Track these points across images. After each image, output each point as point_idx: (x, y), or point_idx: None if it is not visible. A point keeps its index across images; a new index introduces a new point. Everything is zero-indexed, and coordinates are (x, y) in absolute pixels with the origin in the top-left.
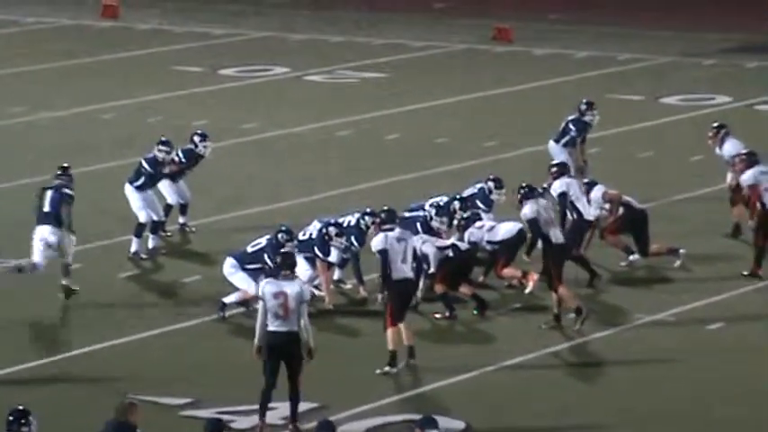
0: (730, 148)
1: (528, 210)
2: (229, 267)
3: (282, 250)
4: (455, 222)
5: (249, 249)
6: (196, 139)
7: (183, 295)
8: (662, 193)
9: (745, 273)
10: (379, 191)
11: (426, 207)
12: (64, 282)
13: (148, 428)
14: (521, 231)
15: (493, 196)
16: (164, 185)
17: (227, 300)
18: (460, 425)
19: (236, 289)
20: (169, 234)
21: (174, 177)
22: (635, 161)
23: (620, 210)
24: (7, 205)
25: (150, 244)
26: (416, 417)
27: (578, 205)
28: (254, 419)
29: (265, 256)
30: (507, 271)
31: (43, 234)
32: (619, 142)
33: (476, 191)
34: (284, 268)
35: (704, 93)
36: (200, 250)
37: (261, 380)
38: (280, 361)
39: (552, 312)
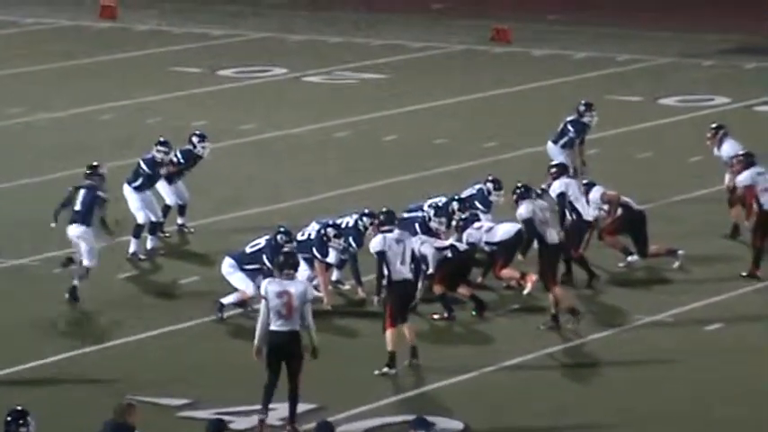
0: (728, 148)
1: (523, 210)
2: (228, 267)
3: (284, 250)
4: (453, 223)
5: (248, 250)
6: (194, 139)
7: (181, 296)
8: (661, 194)
9: (744, 274)
10: (377, 192)
11: (425, 208)
12: (75, 282)
13: (147, 429)
14: (519, 232)
15: (492, 197)
16: (162, 186)
17: (225, 300)
18: (459, 425)
19: (234, 289)
20: (168, 235)
21: (171, 178)
22: (634, 162)
23: (619, 211)
24: (7, 205)
25: (149, 245)
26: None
27: (577, 206)
28: (253, 420)
29: (264, 256)
30: (506, 272)
31: (72, 233)
32: (617, 143)
33: (474, 192)
34: (286, 268)
35: (703, 94)
36: (199, 251)
37: (259, 381)
38: (281, 360)
39: (550, 313)
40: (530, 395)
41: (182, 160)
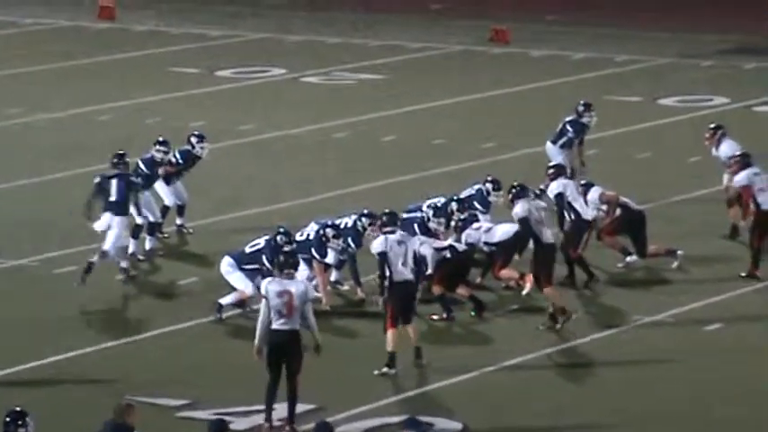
0: (727, 149)
1: (519, 209)
2: (227, 266)
3: (285, 249)
4: (452, 224)
5: (247, 250)
6: (193, 140)
7: (180, 297)
8: (660, 195)
9: (743, 274)
10: (376, 192)
11: (424, 208)
12: (93, 258)
13: (146, 430)
14: (518, 233)
15: (491, 198)
16: (161, 187)
17: (224, 301)
18: (458, 426)
19: (233, 289)
20: (166, 235)
21: (170, 179)
22: (633, 162)
23: (618, 211)
24: (6, 206)
25: (147, 245)
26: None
27: (576, 206)
28: (252, 420)
29: (263, 257)
30: (505, 272)
31: (106, 221)
32: (616, 143)
33: (473, 192)
34: (287, 267)
35: (702, 94)
36: (198, 251)
37: (259, 381)
38: (281, 359)
39: (548, 313)
40: (529, 395)
41: (180, 161)
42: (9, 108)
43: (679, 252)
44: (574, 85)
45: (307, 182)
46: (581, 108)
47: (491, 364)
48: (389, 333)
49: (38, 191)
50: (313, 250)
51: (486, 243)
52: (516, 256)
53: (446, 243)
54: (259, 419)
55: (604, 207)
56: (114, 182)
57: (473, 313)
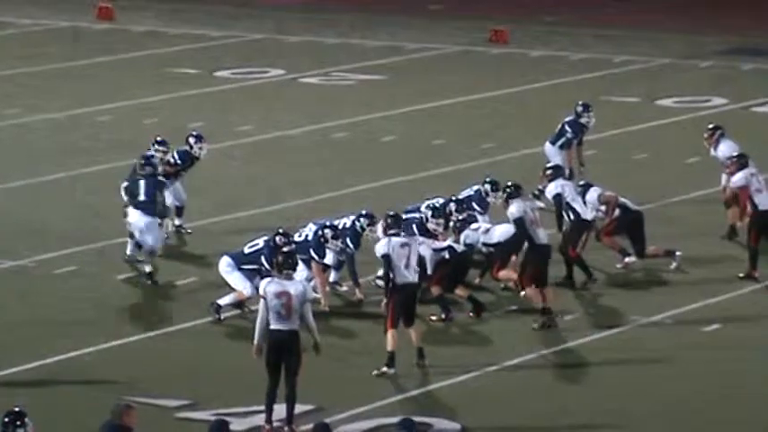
0: (725, 149)
1: (514, 209)
2: (225, 266)
3: (284, 250)
4: (451, 224)
5: (246, 250)
6: (191, 140)
7: (178, 297)
8: (658, 195)
9: (741, 275)
10: (375, 193)
11: (422, 209)
12: (147, 268)
13: (145, 430)
14: (516, 233)
15: (489, 198)
16: None
17: (222, 301)
18: (456, 426)
19: (231, 289)
20: (165, 236)
21: (168, 179)
22: (631, 163)
23: (616, 211)
24: (5, 207)
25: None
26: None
27: (575, 206)
28: (251, 421)
29: (262, 257)
30: (503, 273)
31: (136, 220)
32: (615, 144)
33: (472, 193)
34: (285, 268)
35: (700, 95)
36: (196, 252)
37: (258, 381)
38: (280, 359)
39: (542, 312)
40: (527, 396)
41: (179, 161)
42: (7, 109)
43: (678, 253)
44: (572, 86)
45: (305, 182)
46: (580, 108)
47: (490, 364)
48: (389, 333)
49: (36, 192)
50: (312, 251)
51: (484, 244)
52: (514, 257)
53: (445, 244)
54: (258, 420)
55: (603, 208)
56: (142, 182)
57: (472, 314)
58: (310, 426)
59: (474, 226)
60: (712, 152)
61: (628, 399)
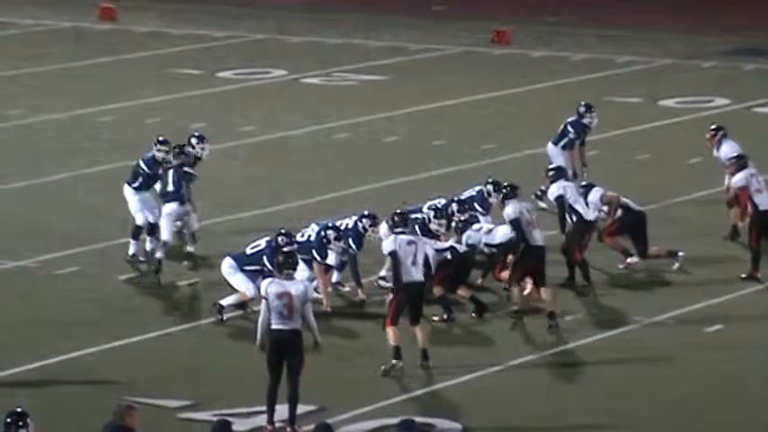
0: (727, 150)
1: (510, 210)
2: (228, 268)
3: (284, 250)
4: (453, 225)
5: (248, 251)
6: (193, 141)
7: (180, 298)
8: (660, 196)
9: (743, 275)
10: (377, 193)
11: (424, 209)
12: (189, 248)
13: (146, 431)
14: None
15: (491, 199)
16: None
17: (225, 302)
18: (458, 427)
19: (234, 290)
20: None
21: None
22: (633, 164)
23: (619, 212)
24: (7, 207)
25: (148, 246)
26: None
27: (577, 207)
28: (253, 421)
29: (264, 258)
30: (505, 273)
31: (169, 210)
32: (617, 145)
33: (474, 193)
34: (286, 267)
35: (703, 95)
36: (198, 252)
37: (259, 382)
38: (282, 358)
39: (546, 313)
40: (529, 396)
41: None
42: (10, 109)
43: (680, 253)
44: (575, 87)
45: (308, 183)
46: (582, 109)
47: (492, 364)
48: (389, 329)
49: (39, 192)
50: (314, 252)
51: (486, 244)
52: (511, 257)
53: (447, 244)
54: (260, 421)
55: (605, 208)
56: (170, 172)
57: (474, 314)
58: (312, 426)
59: (476, 226)
60: (715, 153)
61: (630, 399)
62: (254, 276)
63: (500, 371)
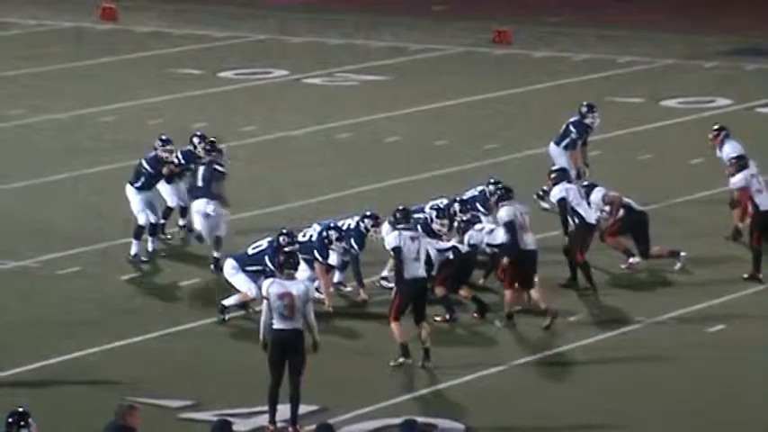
0: (729, 150)
1: (504, 213)
2: (230, 269)
3: (285, 249)
4: (455, 225)
5: (250, 251)
6: (195, 140)
7: (182, 298)
8: (662, 196)
9: (745, 276)
10: (378, 193)
11: (426, 209)
12: (215, 254)
13: (148, 431)
14: None
15: (493, 199)
16: (164, 188)
17: (227, 302)
18: (460, 427)
19: (236, 291)
20: (169, 237)
21: (171, 179)
22: (635, 164)
23: (621, 212)
24: (8, 207)
25: (150, 246)
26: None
27: (580, 210)
28: (255, 421)
29: (266, 258)
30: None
31: (199, 207)
32: (619, 145)
33: (476, 193)
34: (287, 267)
35: (704, 95)
36: (200, 253)
37: (261, 382)
38: (284, 357)
39: (543, 312)
40: (531, 396)
41: (182, 161)
42: (11, 109)
43: (682, 253)
44: (576, 87)
45: (309, 183)
46: (584, 109)
47: (493, 365)
48: (394, 325)
49: (40, 192)
50: (315, 252)
51: (488, 244)
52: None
53: (449, 244)
54: (262, 421)
55: (607, 208)
56: (201, 169)
57: (476, 314)
58: (313, 426)
59: (478, 227)
60: (717, 153)
61: (631, 399)
62: (256, 277)
63: (502, 371)
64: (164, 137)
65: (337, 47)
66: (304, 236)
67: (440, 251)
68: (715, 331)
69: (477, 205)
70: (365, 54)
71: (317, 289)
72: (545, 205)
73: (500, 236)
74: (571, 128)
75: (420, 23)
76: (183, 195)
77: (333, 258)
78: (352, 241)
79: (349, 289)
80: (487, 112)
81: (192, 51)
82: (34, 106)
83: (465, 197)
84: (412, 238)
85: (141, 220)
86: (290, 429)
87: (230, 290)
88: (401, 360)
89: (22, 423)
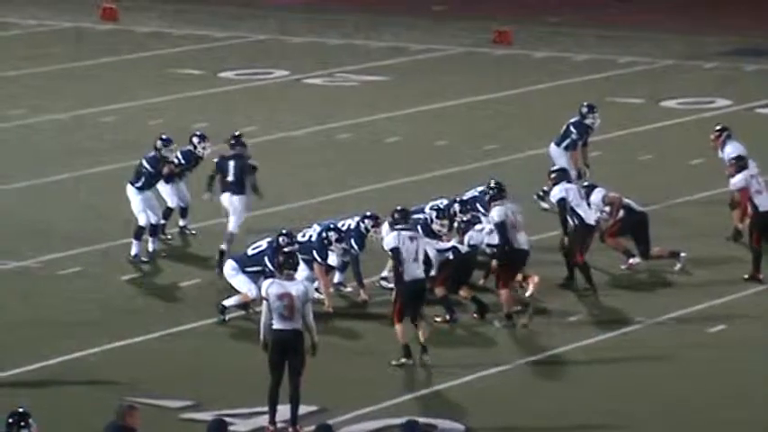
0: (731, 150)
1: (496, 213)
2: (230, 270)
3: (285, 250)
4: (455, 225)
5: (249, 252)
6: (195, 140)
7: (182, 298)
8: (662, 197)
9: (746, 276)
10: (379, 194)
11: (427, 210)
12: (223, 246)
13: (148, 431)
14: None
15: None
16: (164, 188)
17: (227, 302)
18: (460, 428)
19: (237, 291)
20: (169, 237)
21: (171, 179)
22: (635, 164)
23: (621, 213)
24: (9, 207)
25: (150, 247)
26: (411, 418)
27: (579, 211)
28: (255, 422)
29: (266, 259)
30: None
31: (226, 202)
32: (619, 146)
33: (476, 194)
34: (287, 268)
35: (704, 96)
36: (200, 253)
37: (261, 383)
38: (284, 358)
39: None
40: (531, 397)
41: (182, 161)
42: (12, 110)
43: (682, 254)
44: (577, 87)
45: (309, 183)
46: (584, 110)
47: (493, 365)
48: (398, 327)
49: (41, 192)
50: (314, 252)
51: (488, 245)
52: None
53: (449, 245)
54: (262, 421)
55: (607, 209)
56: (231, 163)
57: (476, 315)
58: (313, 427)
59: (478, 227)
60: (719, 154)
61: (631, 399)
62: (256, 277)
63: (502, 371)
64: (163, 136)
65: (338, 47)
66: (303, 236)
67: (440, 251)
68: (715, 332)
69: (478, 206)
70: (365, 54)
71: (316, 289)
72: (545, 205)
73: (485, 230)
74: (572, 128)
75: (420, 24)
76: (184, 196)
77: (333, 259)
78: (353, 242)
79: (349, 289)
80: (488, 112)
81: (192, 52)
82: (34, 106)
83: (465, 198)
84: (410, 239)
85: (142, 221)
86: (290, 430)
87: (231, 290)
88: (403, 360)
89: (22, 423)
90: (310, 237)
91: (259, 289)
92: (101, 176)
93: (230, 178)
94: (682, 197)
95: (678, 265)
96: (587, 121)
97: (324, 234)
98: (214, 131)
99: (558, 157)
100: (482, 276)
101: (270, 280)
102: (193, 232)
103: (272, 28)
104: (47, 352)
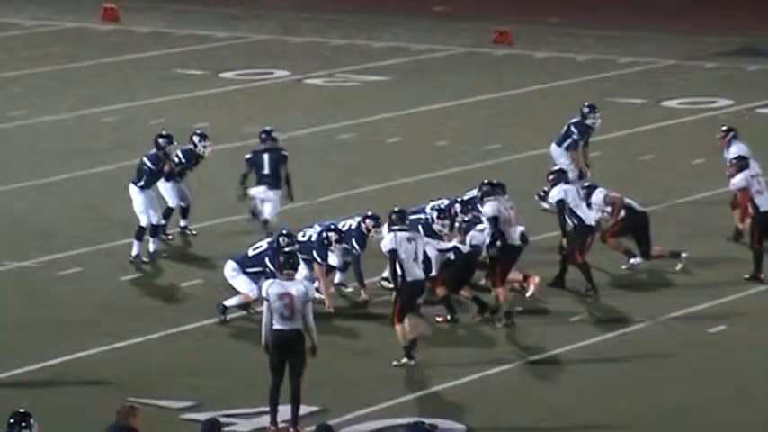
0: (735, 151)
1: (489, 208)
2: (230, 270)
3: (285, 250)
4: (456, 225)
5: (250, 252)
6: (195, 139)
7: (183, 298)
8: (663, 197)
9: (747, 276)
10: (380, 194)
11: (428, 210)
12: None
13: None
14: (522, 235)
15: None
16: (165, 188)
17: (228, 303)
18: (462, 427)
19: (237, 292)
20: (170, 237)
21: (171, 177)
22: (636, 164)
23: (622, 213)
24: (10, 207)
25: (151, 247)
26: (418, 419)
27: (578, 212)
28: (256, 422)
29: (266, 259)
30: (511, 275)
31: (260, 193)
32: (620, 145)
33: (477, 194)
34: (287, 268)
35: (705, 96)
36: (201, 253)
37: (262, 383)
38: (284, 358)
39: (503, 311)
40: (532, 397)
41: (183, 160)
42: (13, 110)
43: (683, 254)
44: (577, 87)
45: (310, 183)
46: (586, 110)
47: (494, 365)
48: (398, 327)
49: (42, 193)
50: (314, 252)
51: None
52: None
53: (450, 245)
54: (263, 421)
55: (608, 209)
56: (266, 156)
57: (476, 315)
58: (313, 427)
59: (479, 227)
60: (725, 154)
61: (633, 400)
62: (257, 278)
63: (502, 371)
64: (163, 132)
65: (338, 47)
66: (303, 236)
67: (441, 251)
68: (716, 332)
69: (479, 206)
70: (366, 54)
71: (316, 289)
72: (545, 206)
73: (487, 231)
74: (573, 128)
75: (421, 24)
76: (185, 195)
77: (333, 259)
78: (354, 242)
79: (350, 289)
80: (488, 112)
81: (193, 52)
82: (36, 107)
83: (466, 198)
84: (408, 240)
85: (143, 221)
86: (291, 430)
87: (232, 290)
88: (404, 360)
89: (23, 424)
90: (310, 237)
91: (260, 289)
92: (102, 177)
93: (266, 171)
94: (683, 197)
95: (679, 265)
96: (588, 122)
97: (324, 234)
98: (215, 132)
99: (559, 157)
100: (483, 276)
101: (270, 280)
102: (194, 232)
103: (273, 28)
104: (48, 352)
